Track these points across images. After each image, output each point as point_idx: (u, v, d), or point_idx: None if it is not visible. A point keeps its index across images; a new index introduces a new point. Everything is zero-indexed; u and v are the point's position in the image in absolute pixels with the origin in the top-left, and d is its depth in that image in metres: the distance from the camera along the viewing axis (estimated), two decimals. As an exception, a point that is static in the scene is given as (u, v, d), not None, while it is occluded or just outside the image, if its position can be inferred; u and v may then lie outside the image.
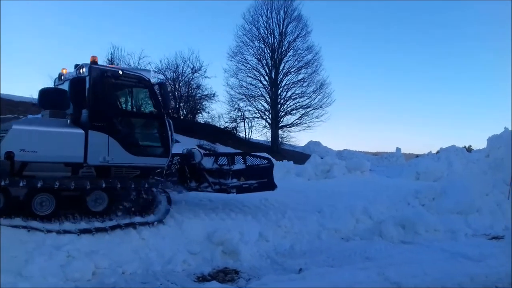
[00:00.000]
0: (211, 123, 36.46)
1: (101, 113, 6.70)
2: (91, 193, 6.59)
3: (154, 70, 34.44)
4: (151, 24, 64.87)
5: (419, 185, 12.33)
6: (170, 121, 7.56)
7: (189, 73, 35.49)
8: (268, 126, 37.14)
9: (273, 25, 36.04)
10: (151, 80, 7.38)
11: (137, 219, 6.67)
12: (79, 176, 6.64)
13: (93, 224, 6.24)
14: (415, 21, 77.11)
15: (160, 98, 7.37)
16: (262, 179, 8.32)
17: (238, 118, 37.59)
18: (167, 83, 34.99)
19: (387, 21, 78.25)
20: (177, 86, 35.51)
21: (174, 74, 35.31)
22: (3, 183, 5.79)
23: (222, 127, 37.16)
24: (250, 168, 8.25)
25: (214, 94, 36.02)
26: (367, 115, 78.08)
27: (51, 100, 6.92)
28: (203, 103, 36.51)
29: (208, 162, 8.29)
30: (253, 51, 36.54)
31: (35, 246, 5.30)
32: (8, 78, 58.48)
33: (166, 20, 65.49)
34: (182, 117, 35.64)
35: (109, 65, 7.00)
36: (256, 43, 36.40)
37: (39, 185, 5.98)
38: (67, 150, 6.39)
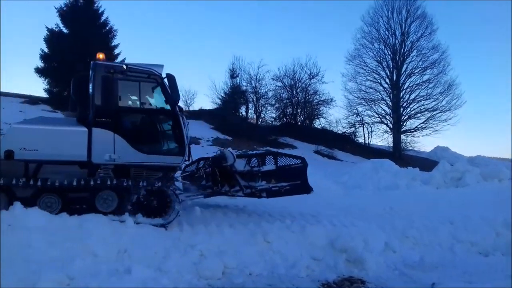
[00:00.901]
0: (328, 129, 36.19)
1: (105, 110, 6.46)
2: (98, 193, 6.43)
3: (272, 78, 35.45)
4: (270, 33, 67.03)
5: None
6: (184, 117, 7.11)
7: (306, 79, 35.80)
8: (390, 130, 35.59)
9: (394, 26, 34.62)
10: (162, 75, 6.96)
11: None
12: (87, 176, 6.50)
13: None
14: None
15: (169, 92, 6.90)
16: (295, 181, 7.48)
17: (357, 123, 36.78)
18: (284, 89, 35.83)
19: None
20: (294, 93, 36.02)
21: (292, 81, 35.90)
22: (2, 182, 5.94)
23: (340, 132, 36.68)
24: (281, 169, 7.45)
25: (331, 99, 35.82)
26: (503, 118, 70.02)
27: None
28: (320, 109, 36.46)
29: (240, 165, 7.62)
30: (373, 53, 35.48)
31: (172, 243, 5.72)
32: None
33: (285, 27, 67.08)
34: (299, 123, 36.00)
35: (115, 62, 6.78)
36: (376, 45, 35.31)
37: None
38: (69, 148, 6.28)
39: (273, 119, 36.50)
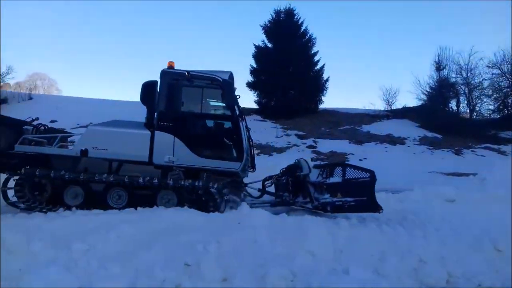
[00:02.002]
0: None
1: (167, 114, 6.95)
2: (159, 191, 6.99)
3: (487, 66, 31.38)
4: (481, 16, 59.80)
5: None
6: (245, 123, 7.19)
7: (533, 61, 30.46)
8: None
9: None
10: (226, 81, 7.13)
11: None
12: (152, 176, 6.93)
13: None
14: None
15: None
16: (361, 197, 6.72)
17: None
18: (504, 76, 31.16)
19: None
20: (517, 81, 31.08)
21: (512, 67, 31.08)
22: (82, 177, 6.80)
23: None
24: (346, 183, 6.89)
25: None
26: None
27: None
28: None
29: (314, 175, 7.44)
30: None
31: (388, 246, 5.55)
32: (346, 94, 66.10)
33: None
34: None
35: (181, 70, 7.15)
36: None
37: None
38: (133, 149, 6.88)
39: (490, 112, 32.30)
